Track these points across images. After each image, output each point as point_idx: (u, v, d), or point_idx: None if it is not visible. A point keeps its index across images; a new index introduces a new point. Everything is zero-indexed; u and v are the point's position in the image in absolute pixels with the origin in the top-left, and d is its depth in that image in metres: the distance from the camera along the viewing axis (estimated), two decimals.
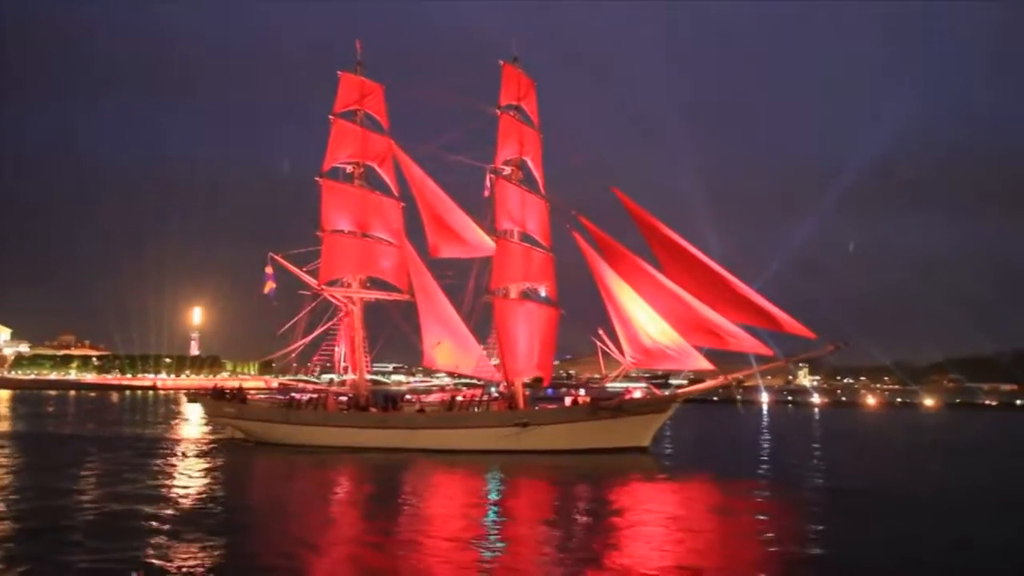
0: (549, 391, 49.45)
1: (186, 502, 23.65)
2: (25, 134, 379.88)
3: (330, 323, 45.17)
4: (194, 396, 52.21)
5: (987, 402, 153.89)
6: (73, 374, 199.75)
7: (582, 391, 46.68)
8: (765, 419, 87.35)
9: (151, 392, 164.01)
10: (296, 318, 44.56)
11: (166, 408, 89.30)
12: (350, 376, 45.48)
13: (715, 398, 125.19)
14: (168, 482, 27.79)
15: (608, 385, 48.01)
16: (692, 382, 43.28)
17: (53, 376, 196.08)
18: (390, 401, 43.85)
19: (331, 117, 45.02)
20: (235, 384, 56.46)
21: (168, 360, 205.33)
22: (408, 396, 45.98)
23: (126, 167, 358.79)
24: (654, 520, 22.08)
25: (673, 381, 56.58)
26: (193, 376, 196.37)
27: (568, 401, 41.39)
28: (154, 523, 20.14)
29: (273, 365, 56.82)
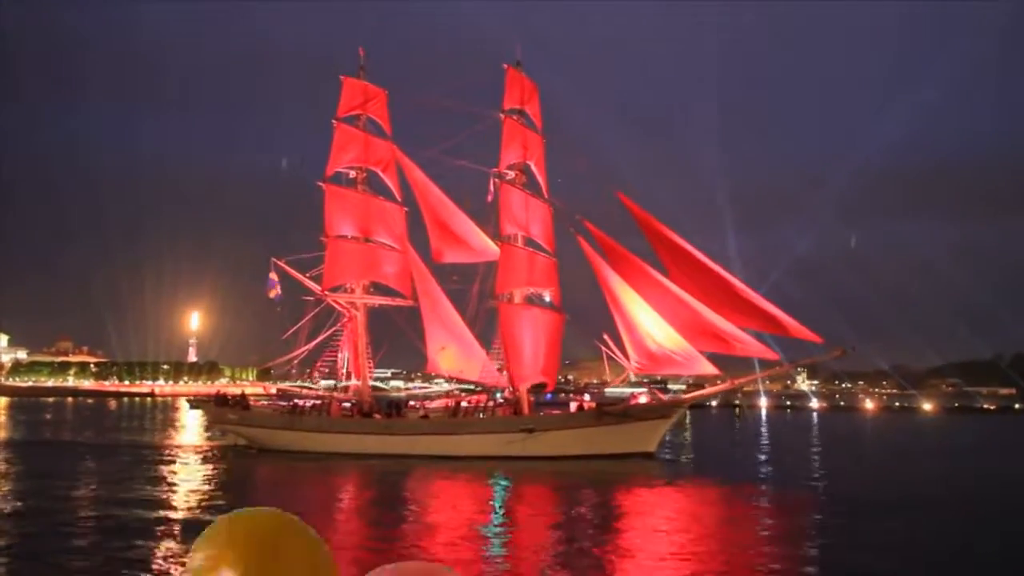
0: (547, 396, 49.33)
1: (188, 508, 23.49)
2: (23, 137, 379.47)
3: (333, 329, 45.02)
4: (197, 403, 51.97)
5: (985, 406, 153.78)
6: (71, 381, 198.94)
7: (587, 396, 46.58)
8: (764, 424, 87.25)
9: (149, 399, 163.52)
10: (299, 324, 44.45)
11: (164, 415, 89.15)
12: (353, 382, 45.28)
13: (713, 403, 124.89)
14: (170, 488, 27.65)
15: (607, 390, 47.85)
16: (691, 387, 43.27)
17: (51, 383, 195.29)
18: (394, 407, 43.68)
19: (334, 122, 44.90)
20: (238, 390, 56.33)
21: (166, 367, 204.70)
22: (412, 402, 45.81)
23: (125, 172, 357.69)
24: (658, 525, 22.06)
25: (672, 386, 56.40)
26: (191, 383, 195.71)
27: (573, 407, 41.26)
28: (156, 528, 20.04)
29: (272, 372, 56.68)
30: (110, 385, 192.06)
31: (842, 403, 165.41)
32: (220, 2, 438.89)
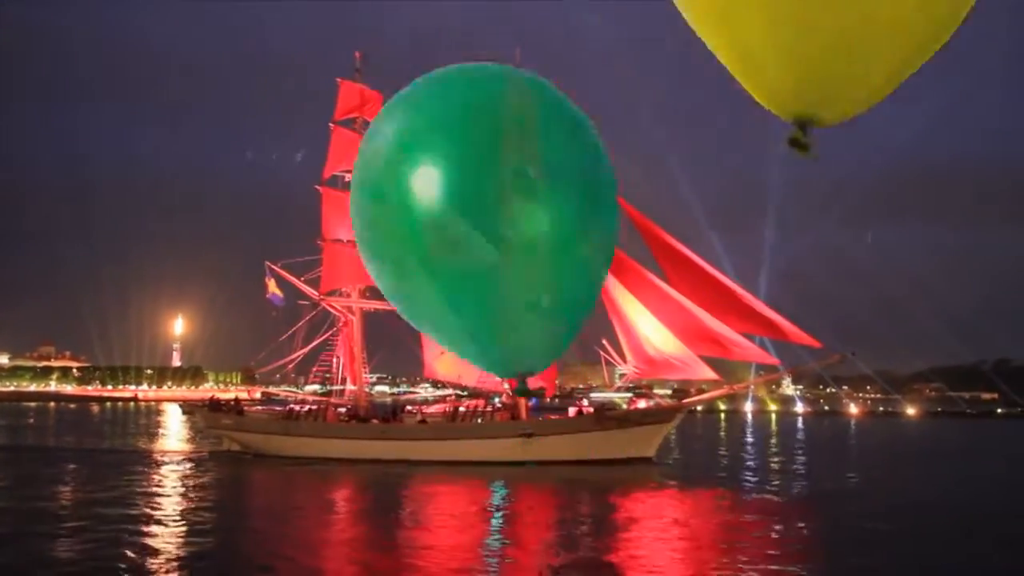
0: (534, 401, 49.39)
1: (181, 515, 23.16)
2: (13, 139, 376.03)
3: (328, 334, 44.82)
4: (189, 408, 51.63)
5: (968, 411, 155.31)
6: (53, 385, 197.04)
7: (585, 401, 46.59)
8: (750, 428, 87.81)
9: (132, 404, 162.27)
10: (294, 328, 44.33)
11: (149, 420, 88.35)
12: (349, 387, 45.05)
13: (698, 408, 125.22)
14: (161, 495, 27.30)
15: (593, 395, 47.78)
16: (675, 391, 43.26)
17: (33, 388, 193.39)
18: (391, 412, 43.56)
19: (331, 125, 44.82)
20: (230, 395, 56.06)
21: (149, 371, 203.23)
22: (410, 407, 45.68)
23: (111, 173, 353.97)
24: (656, 530, 22.15)
25: (658, 391, 56.36)
26: (175, 387, 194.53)
27: (572, 411, 41.25)
28: (151, 535, 19.80)
29: (256, 376, 56.47)
30: (93, 390, 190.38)
31: (826, 407, 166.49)
32: (218, 2, 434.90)
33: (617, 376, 44.76)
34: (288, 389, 47.77)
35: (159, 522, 21.39)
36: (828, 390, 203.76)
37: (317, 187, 44.45)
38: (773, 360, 38.36)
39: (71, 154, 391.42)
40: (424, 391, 69.38)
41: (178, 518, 22.34)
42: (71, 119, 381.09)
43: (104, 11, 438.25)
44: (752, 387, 70.40)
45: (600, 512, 25.62)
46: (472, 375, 42.49)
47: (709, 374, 39.28)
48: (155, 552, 17.69)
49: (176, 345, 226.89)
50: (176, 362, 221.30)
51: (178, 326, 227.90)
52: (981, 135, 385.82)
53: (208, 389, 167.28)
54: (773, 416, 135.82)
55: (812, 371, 48.43)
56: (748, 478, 35.70)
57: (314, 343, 44.54)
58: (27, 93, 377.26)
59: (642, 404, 40.42)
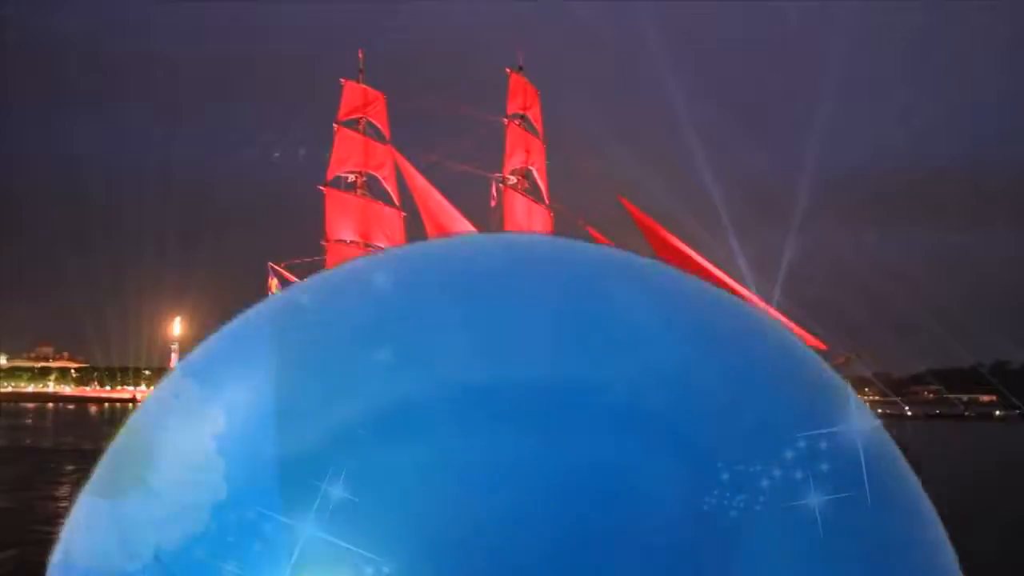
0: None
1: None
2: (7, 139, 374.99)
3: None
4: None
5: (966, 413, 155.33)
6: (51, 386, 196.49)
7: None
8: None
9: (131, 405, 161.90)
10: None
11: None
12: None
13: None
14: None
15: None
16: None
17: (31, 388, 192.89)
18: None
19: (335, 125, 44.67)
20: None
21: (148, 372, 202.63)
22: None
23: (110, 173, 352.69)
24: None
25: None
26: None
27: None
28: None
29: None
30: (91, 391, 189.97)
31: None
32: (218, 2, 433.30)
33: None
34: None
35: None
36: None
37: (320, 187, 44.36)
38: None
39: (71, 154, 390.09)
40: None
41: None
42: (71, 119, 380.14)
43: (104, 11, 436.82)
44: None
45: None
46: None
47: None
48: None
49: (174, 346, 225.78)
50: (174, 363, 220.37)
51: (176, 326, 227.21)
52: (981, 135, 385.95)
53: None
54: None
55: None
56: None
57: None
58: (27, 93, 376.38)
59: None
